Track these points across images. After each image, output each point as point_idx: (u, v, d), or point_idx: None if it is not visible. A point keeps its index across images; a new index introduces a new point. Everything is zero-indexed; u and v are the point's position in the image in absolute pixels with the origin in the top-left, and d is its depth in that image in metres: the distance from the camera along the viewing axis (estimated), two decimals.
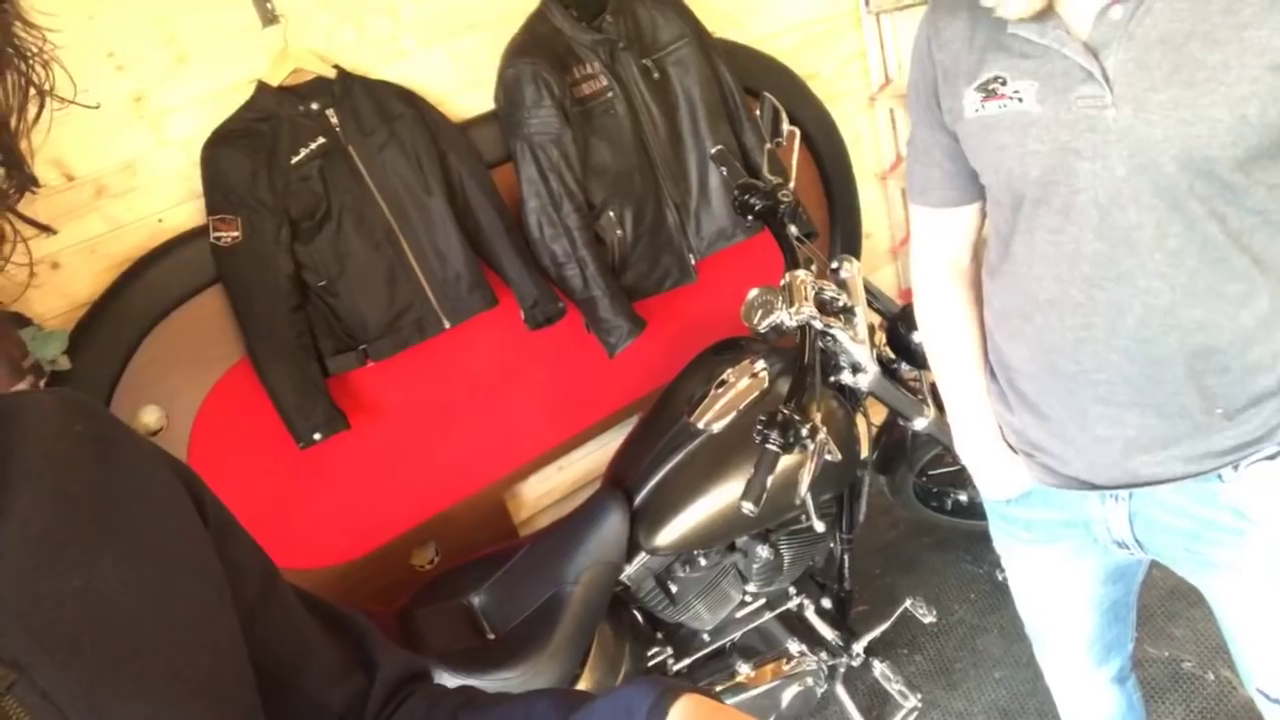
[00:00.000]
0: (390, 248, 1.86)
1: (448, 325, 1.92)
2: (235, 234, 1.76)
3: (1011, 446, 1.23)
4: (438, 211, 1.88)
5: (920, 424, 1.79)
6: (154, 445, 0.58)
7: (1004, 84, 1.01)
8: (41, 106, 0.44)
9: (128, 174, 1.78)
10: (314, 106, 1.82)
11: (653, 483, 1.77)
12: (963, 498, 2.45)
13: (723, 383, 1.76)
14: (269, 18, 1.84)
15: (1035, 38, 0.97)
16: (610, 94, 2.01)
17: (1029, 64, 0.99)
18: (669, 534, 1.75)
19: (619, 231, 2.04)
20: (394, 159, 1.86)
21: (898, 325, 1.77)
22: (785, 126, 1.79)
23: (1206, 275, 0.97)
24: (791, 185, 1.80)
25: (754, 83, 2.22)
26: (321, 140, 1.82)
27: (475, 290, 1.92)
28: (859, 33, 2.59)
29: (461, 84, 2.06)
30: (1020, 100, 0.99)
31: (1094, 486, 1.13)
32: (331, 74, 1.85)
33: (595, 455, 2.48)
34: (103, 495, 0.51)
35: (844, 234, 2.57)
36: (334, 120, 1.83)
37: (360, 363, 1.88)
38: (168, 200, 1.82)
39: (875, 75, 2.65)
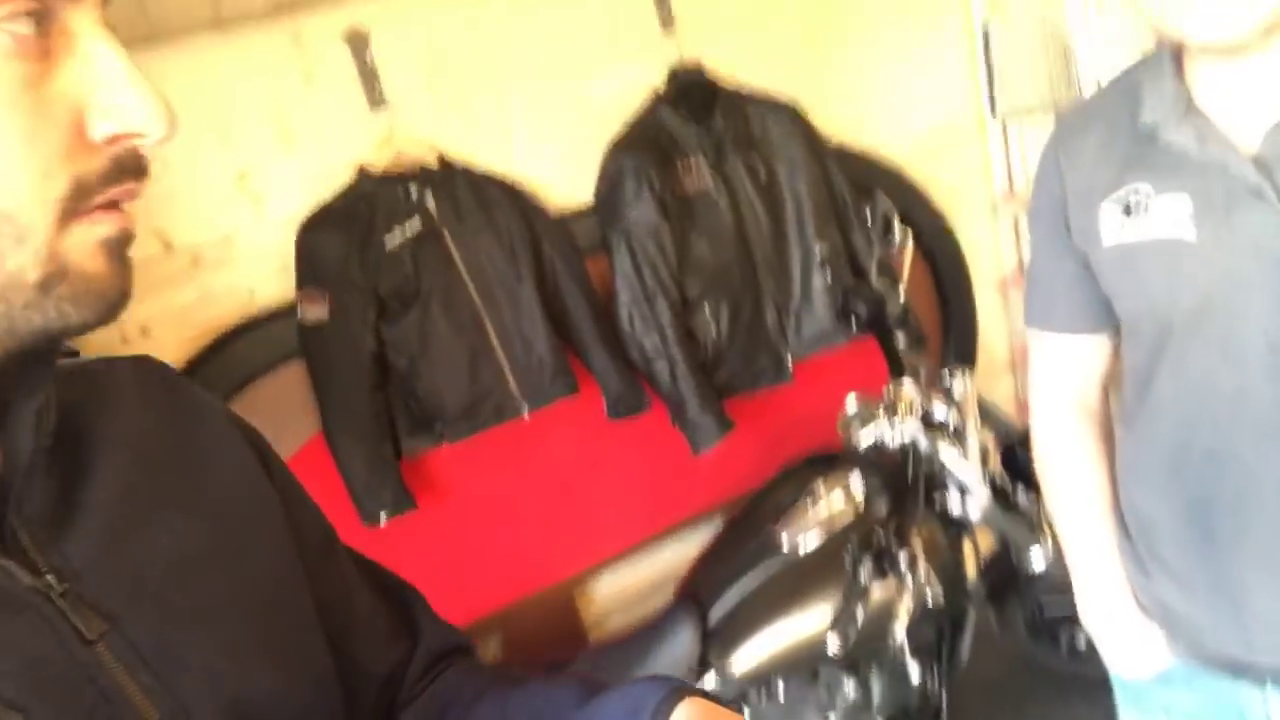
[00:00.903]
0: (475, 331, 1.82)
1: (527, 411, 1.85)
2: (322, 311, 1.74)
3: (1147, 613, 1.04)
4: (526, 297, 1.83)
5: (1037, 562, 1.59)
6: (224, 407, 0.61)
7: (1149, 200, 0.86)
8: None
9: (225, 246, 1.80)
10: (412, 190, 1.81)
11: (730, 599, 1.63)
12: (1083, 639, 2.17)
13: (814, 497, 1.61)
14: (377, 101, 1.86)
15: (1194, 150, 0.83)
16: (713, 190, 1.96)
17: (1180, 180, 0.85)
18: (744, 658, 1.59)
19: (714, 327, 1.96)
20: (487, 244, 1.83)
21: (1015, 448, 1.59)
22: (897, 229, 1.68)
23: None
24: (901, 291, 1.68)
25: (866, 185, 2.13)
26: (417, 223, 1.81)
27: (558, 377, 1.85)
28: (983, 138, 2.48)
29: (564, 175, 2.04)
30: (1171, 221, 0.85)
31: (1252, 669, 0.93)
32: (433, 160, 1.85)
33: (673, 557, 2.33)
34: (181, 457, 0.54)
35: (958, 344, 2.40)
36: (431, 205, 1.82)
37: (435, 443, 1.83)
38: (261, 274, 1.83)
39: (999, 182, 2.53)
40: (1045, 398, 1.11)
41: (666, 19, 2.06)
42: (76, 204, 0.41)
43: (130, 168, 0.42)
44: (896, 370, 1.56)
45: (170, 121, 0.42)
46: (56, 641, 0.44)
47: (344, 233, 1.77)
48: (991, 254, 2.64)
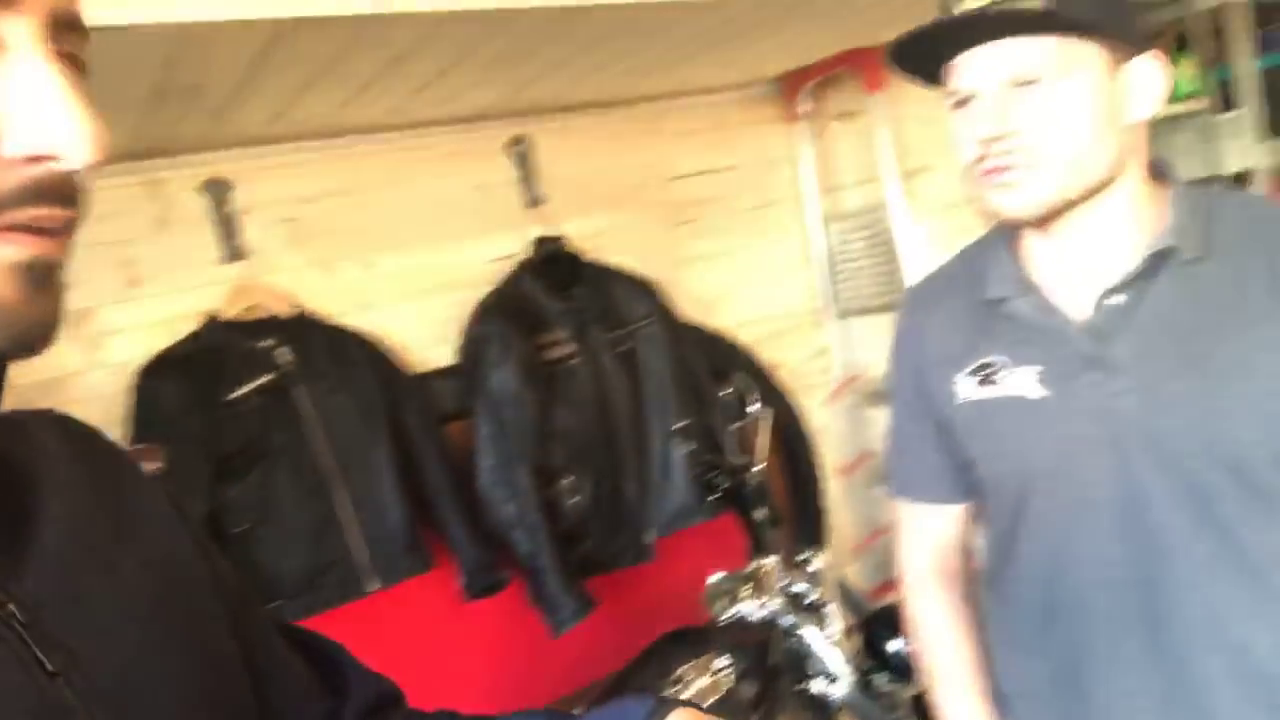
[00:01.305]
0: (323, 498, 1.70)
1: (375, 587, 1.72)
2: (156, 466, 1.59)
3: None
4: (381, 463, 1.75)
5: None
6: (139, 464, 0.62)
7: (1002, 368, 0.95)
8: None
9: (52, 390, 1.64)
10: (265, 343, 1.73)
11: None
12: None
13: (679, 680, 1.56)
14: (233, 254, 1.80)
15: (1037, 321, 0.93)
16: (576, 361, 1.97)
17: (1028, 348, 0.94)
18: None
19: (575, 499, 1.92)
20: (342, 405, 1.75)
21: (874, 629, 1.61)
22: (753, 407, 1.73)
23: (1249, 590, 0.86)
24: (758, 467, 1.72)
25: (723, 366, 2.21)
26: (267, 378, 1.71)
27: (411, 551, 1.74)
28: (823, 330, 2.65)
29: (428, 338, 2.01)
30: (1020, 385, 0.93)
31: None
32: (289, 313, 1.79)
33: None
34: (115, 505, 0.55)
35: (809, 526, 2.45)
36: (285, 359, 1.74)
37: None
38: (92, 422, 1.66)
39: (837, 371, 2.68)
40: (912, 568, 1.14)
41: (534, 198, 2.13)
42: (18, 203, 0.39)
43: (52, 193, 0.40)
44: (758, 546, 1.57)
45: (99, 148, 0.40)
46: (24, 672, 0.43)
47: (185, 383, 1.65)
48: (834, 441, 2.77)
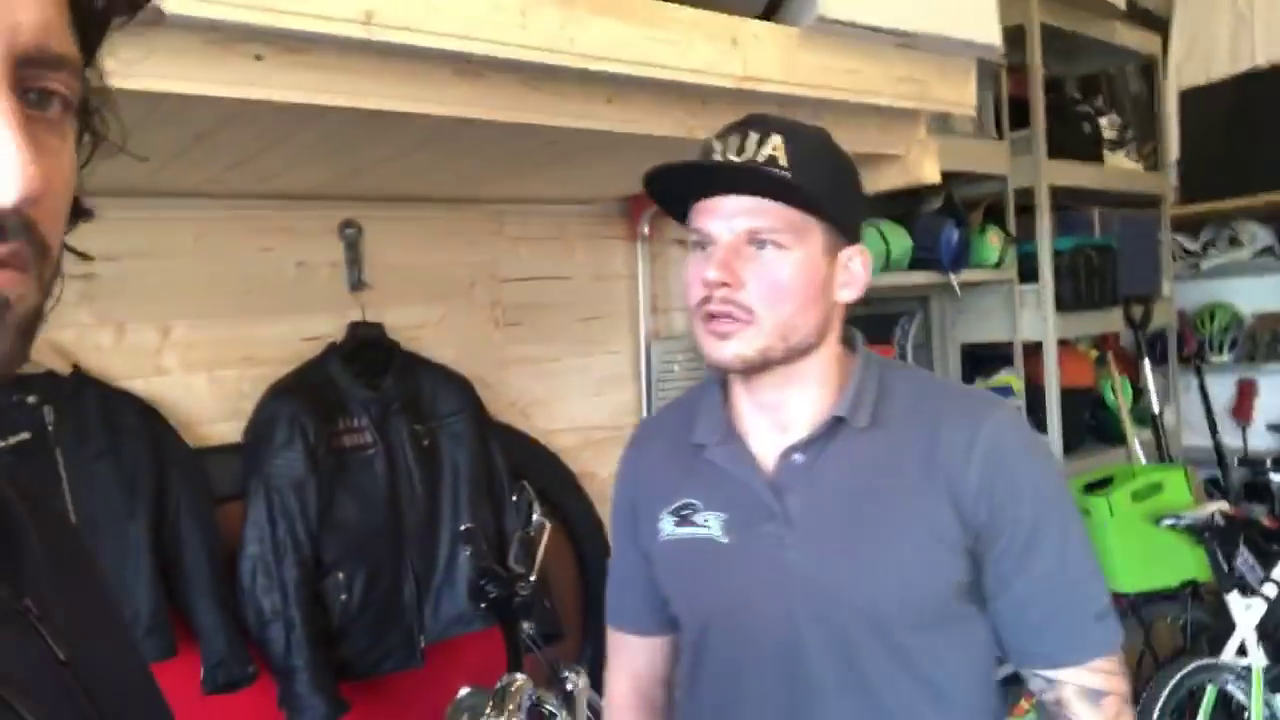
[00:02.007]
0: None
1: None
2: None
3: None
4: (135, 539, 1.66)
5: None
6: None
7: (696, 510, 1.01)
8: None
9: None
10: (30, 399, 1.64)
11: None
12: None
13: None
14: None
15: (728, 467, 1.00)
16: (372, 451, 1.95)
17: (720, 494, 1.01)
18: None
19: (344, 596, 1.86)
20: (103, 472, 1.67)
21: None
22: (536, 517, 1.74)
23: None
24: (533, 578, 1.72)
25: (526, 470, 2.22)
26: (25, 436, 1.62)
27: (152, 635, 1.64)
28: None
29: (217, 412, 1.95)
30: (709, 528, 0.99)
31: None
32: (65, 370, 1.71)
33: None
34: (93, 584, 0.60)
35: (597, 641, 2.44)
36: (49, 418, 1.65)
37: None
38: None
39: None
40: (614, 695, 1.18)
41: (357, 281, 2.13)
42: None
43: None
44: (514, 661, 1.56)
45: (23, 186, 0.39)
46: (42, 657, 0.48)
47: None
48: None
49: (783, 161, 0.93)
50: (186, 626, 1.73)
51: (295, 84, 1.28)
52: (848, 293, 1.00)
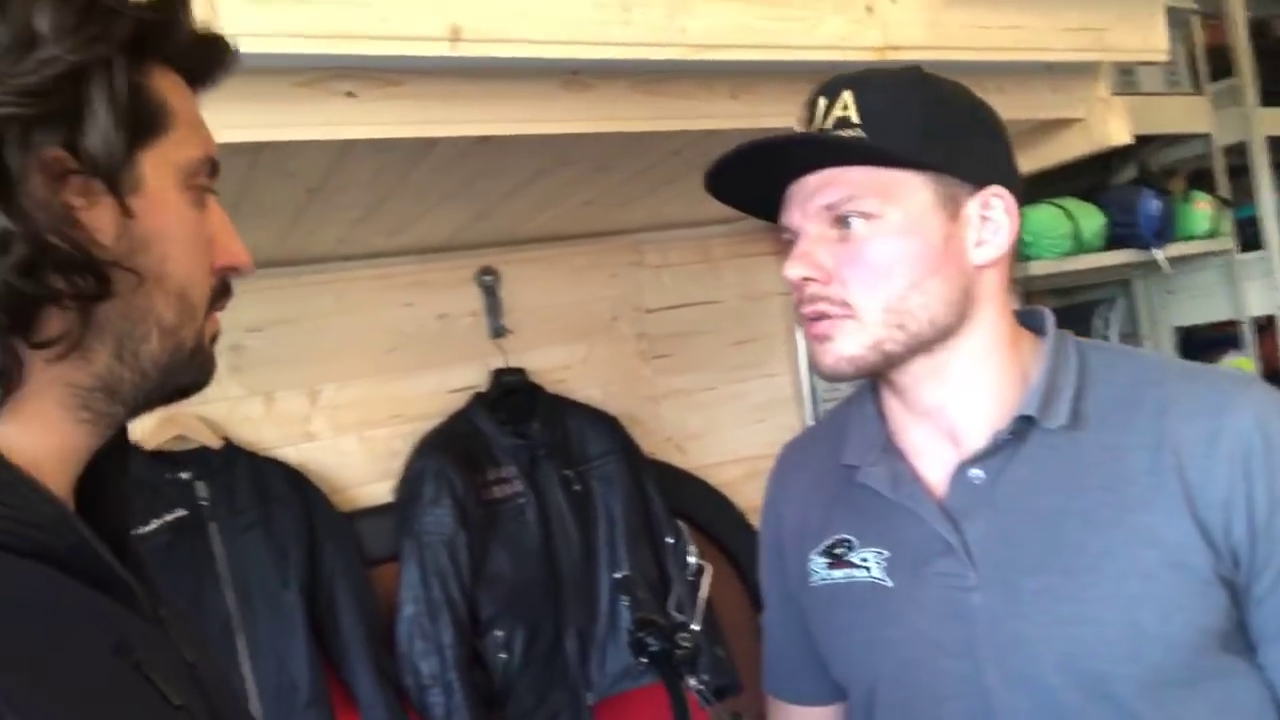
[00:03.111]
0: (223, 642, 1.58)
1: None
2: None
3: None
4: (290, 608, 1.62)
5: None
6: None
7: (851, 548, 0.81)
8: None
9: None
10: (184, 475, 1.65)
11: None
12: None
13: None
14: None
15: (887, 492, 0.80)
16: (522, 500, 1.85)
17: (880, 525, 0.81)
18: None
19: (503, 655, 1.76)
20: (255, 543, 1.65)
21: None
22: (693, 560, 1.58)
23: None
24: (695, 626, 1.55)
25: (688, 509, 2.07)
26: (181, 513, 1.63)
27: (311, 708, 1.59)
28: None
29: (369, 473, 1.92)
30: (867, 569, 0.79)
31: None
32: (216, 445, 1.71)
33: None
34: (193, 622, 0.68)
35: None
36: (202, 494, 1.65)
37: None
38: None
39: None
40: None
41: (498, 328, 2.06)
42: (210, 305, 0.58)
43: (227, 292, 0.61)
44: (679, 717, 1.39)
45: (252, 267, 0.62)
46: (177, 657, 0.56)
47: None
48: None
49: (854, 118, 0.76)
50: (348, 696, 1.68)
51: (392, 118, 1.20)
52: (988, 250, 0.79)
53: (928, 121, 0.78)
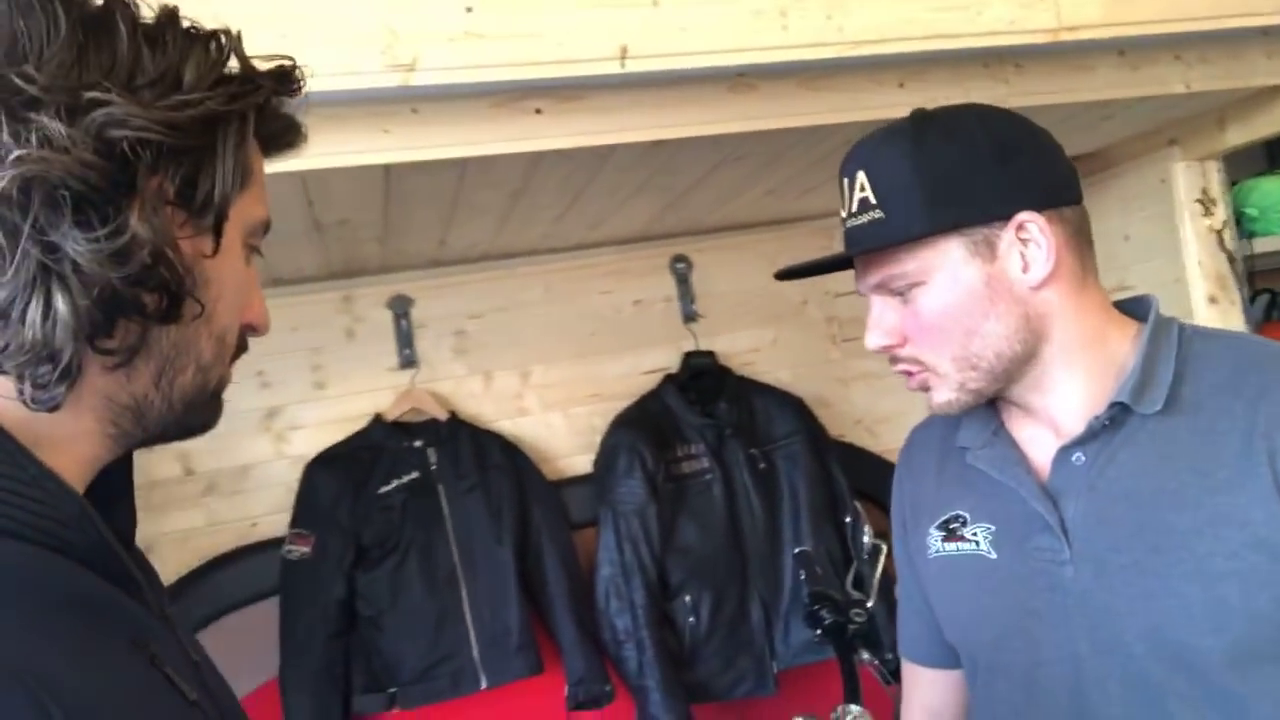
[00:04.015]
0: (448, 590, 1.82)
1: (485, 685, 1.79)
2: (306, 549, 1.80)
3: None
4: (504, 562, 1.84)
5: None
6: None
7: (964, 524, 0.87)
8: None
9: (239, 477, 1.93)
10: (417, 443, 1.91)
11: None
12: None
13: None
14: (407, 362, 2.02)
15: (994, 473, 0.85)
16: (709, 476, 1.97)
17: (988, 503, 0.86)
18: None
19: (691, 619, 1.89)
20: (476, 504, 1.88)
21: None
22: (868, 539, 1.63)
23: None
24: (870, 604, 1.60)
25: (876, 491, 2.10)
26: (414, 475, 1.89)
27: (522, 652, 1.81)
28: None
29: (572, 446, 2.11)
30: (976, 543, 0.85)
31: None
32: (444, 416, 1.97)
33: None
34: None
35: None
36: (432, 459, 1.91)
37: (385, 707, 1.78)
38: (266, 507, 1.92)
39: None
40: None
41: (689, 313, 2.19)
42: (233, 351, 0.61)
43: (244, 345, 0.63)
44: (850, 691, 1.45)
45: (268, 328, 0.65)
46: (183, 654, 0.58)
47: (343, 476, 1.86)
48: None
49: (871, 199, 0.81)
50: (553, 645, 1.88)
51: (575, 130, 1.35)
52: (1036, 270, 0.80)
53: (926, 187, 0.80)
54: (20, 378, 0.50)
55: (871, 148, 0.84)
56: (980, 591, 0.86)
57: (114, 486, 0.59)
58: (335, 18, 1.16)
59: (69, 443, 0.53)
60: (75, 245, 0.48)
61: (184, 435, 0.60)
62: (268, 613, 1.83)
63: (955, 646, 0.93)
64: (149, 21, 0.55)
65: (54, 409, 0.51)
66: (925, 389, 0.85)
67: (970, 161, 0.81)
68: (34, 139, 0.48)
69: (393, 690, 1.78)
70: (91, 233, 0.49)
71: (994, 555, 0.85)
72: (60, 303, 0.48)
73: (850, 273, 0.90)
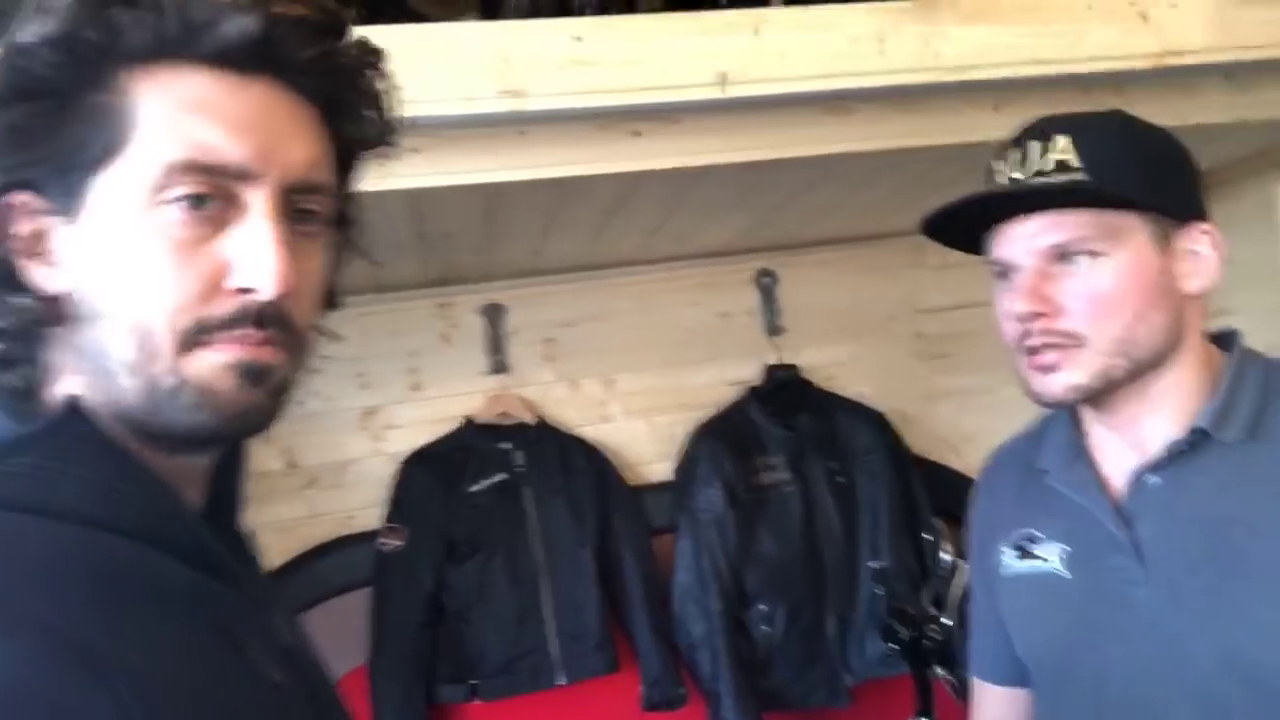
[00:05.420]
0: (530, 589, 1.89)
1: (562, 681, 1.85)
2: (399, 543, 1.89)
3: None
4: (584, 564, 1.90)
5: None
6: None
7: (1037, 543, 0.89)
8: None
9: (338, 472, 2.03)
10: (505, 446, 1.98)
11: None
12: None
13: None
14: (498, 367, 2.09)
15: (1071, 494, 0.87)
16: (788, 488, 2.00)
17: (1062, 523, 0.89)
18: None
19: (765, 627, 1.92)
20: (560, 506, 1.94)
21: None
22: (945, 557, 1.64)
23: None
24: (945, 621, 1.61)
25: (955, 508, 2.09)
26: (502, 476, 1.96)
27: (599, 651, 1.86)
28: None
29: (654, 453, 2.16)
30: (1049, 562, 0.87)
31: None
32: (532, 421, 2.04)
33: None
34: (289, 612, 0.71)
35: None
36: (519, 462, 1.98)
37: (467, 698, 1.86)
38: (363, 501, 2.02)
39: None
40: None
41: (773, 326, 2.22)
42: (198, 336, 0.51)
43: (252, 316, 0.52)
44: (923, 705, 1.48)
45: (278, 286, 0.52)
46: (276, 639, 0.58)
47: (435, 474, 1.95)
48: None
49: (1074, 163, 0.81)
50: (630, 646, 1.93)
51: (671, 151, 1.39)
52: (1196, 281, 0.84)
53: (1147, 165, 0.84)
54: None
55: (1075, 118, 0.86)
56: (1053, 609, 0.89)
57: (224, 478, 0.60)
58: (452, 46, 1.23)
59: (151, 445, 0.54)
60: None
61: (200, 439, 0.55)
62: (360, 602, 1.92)
63: (1027, 663, 0.95)
64: None
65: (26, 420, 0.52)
66: (1049, 370, 0.83)
67: (1169, 157, 0.85)
68: None
69: (474, 682, 1.85)
70: None
71: (1069, 575, 0.87)
72: None
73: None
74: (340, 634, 1.91)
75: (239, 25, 0.51)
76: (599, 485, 1.99)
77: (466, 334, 2.13)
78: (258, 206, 0.53)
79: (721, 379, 2.21)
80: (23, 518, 0.48)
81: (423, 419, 2.07)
